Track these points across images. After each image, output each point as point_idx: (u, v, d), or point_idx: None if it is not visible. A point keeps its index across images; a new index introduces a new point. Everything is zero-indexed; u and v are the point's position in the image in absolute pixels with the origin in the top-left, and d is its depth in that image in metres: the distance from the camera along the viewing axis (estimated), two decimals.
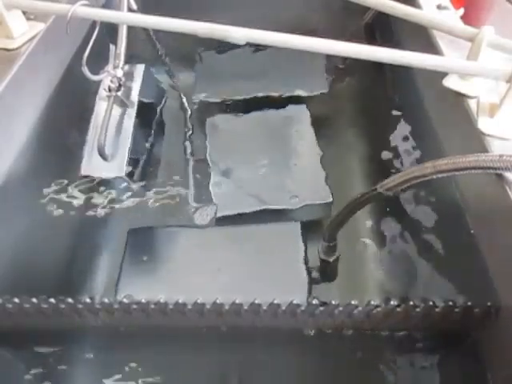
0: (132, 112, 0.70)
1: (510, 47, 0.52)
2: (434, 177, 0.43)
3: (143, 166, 0.70)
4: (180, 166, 0.71)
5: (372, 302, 0.46)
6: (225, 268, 0.56)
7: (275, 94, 0.77)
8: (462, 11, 0.70)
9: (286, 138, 0.71)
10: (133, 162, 0.68)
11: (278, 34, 0.52)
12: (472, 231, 0.51)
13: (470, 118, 0.53)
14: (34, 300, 0.47)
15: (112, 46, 0.69)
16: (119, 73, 0.67)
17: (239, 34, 0.52)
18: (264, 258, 0.57)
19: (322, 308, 0.47)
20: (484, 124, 0.51)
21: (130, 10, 0.74)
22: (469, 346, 0.49)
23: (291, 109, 0.75)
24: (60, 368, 0.51)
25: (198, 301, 0.46)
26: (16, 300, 0.47)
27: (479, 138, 0.50)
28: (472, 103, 0.54)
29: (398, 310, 0.46)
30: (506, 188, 0.45)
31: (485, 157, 0.41)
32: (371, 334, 0.50)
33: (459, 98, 0.56)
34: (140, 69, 0.76)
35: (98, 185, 0.66)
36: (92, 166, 0.65)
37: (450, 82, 0.57)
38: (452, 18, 0.68)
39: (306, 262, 0.56)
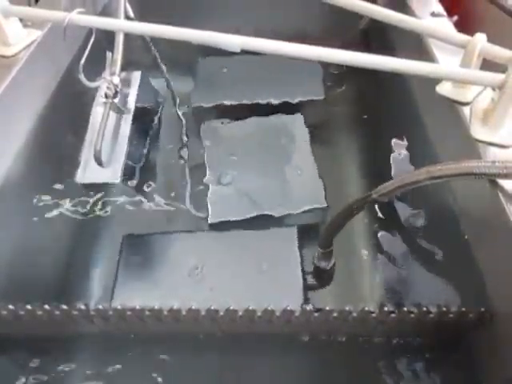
0: (128, 118, 0.71)
1: (503, 55, 0.52)
2: (428, 183, 0.43)
3: (139, 172, 0.71)
4: (177, 172, 0.71)
5: (366, 308, 0.46)
6: (220, 273, 0.56)
7: (271, 101, 0.78)
8: (455, 18, 0.71)
9: (282, 144, 0.71)
10: (129, 168, 0.68)
11: (273, 41, 0.53)
12: (466, 237, 0.52)
13: (463, 125, 0.53)
14: (29, 307, 0.47)
15: (108, 53, 0.69)
16: (116, 79, 0.68)
17: (234, 41, 0.52)
18: (260, 263, 0.57)
19: (316, 314, 0.47)
20: (477, 130, 0.51)
21: (127, 17, 0.74)
22: (463, 352, 0.49)
23: (287, 115, 0.76)
24: (55, 376, 0.50)
25: (193, 307, 0.46)
26: (10, 307, 0.47)
27: (473, 145, 0.51)
28: (465, 110, 0.55)
29: (392, 315, 0.46)
30: (499, 194, 0.45)
31: (478, 163, 0.41)
32: (366, 339, 0.50)
33: (453, 104, 0.56)
34: (137, 75, 0.77)
35: (93, 191, 0.66)
36: (88, 171, 0.66)
37: (444, 89, 0.57)
38: (445, 25, 0.69)
39: (302, 268, 0.56)
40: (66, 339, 0.52)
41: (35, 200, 0.64)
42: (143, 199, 0.67)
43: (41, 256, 0.60)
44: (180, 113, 0.81)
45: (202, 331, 0.51)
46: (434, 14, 0.72)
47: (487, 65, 0.55)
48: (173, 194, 0.68)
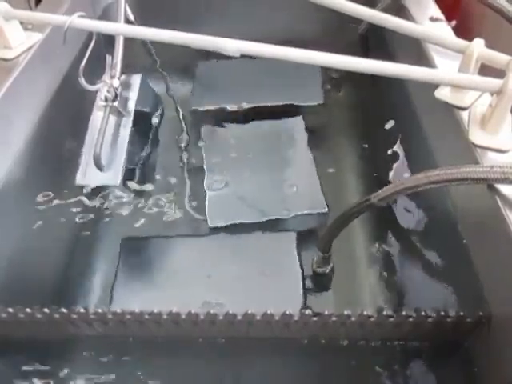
0: (128, 122, 0.71)
1: (501, 60, 0.52)
2: (427, 187, 0.43)
3: (139, 176, 0.71)
4: (176, 176, 0.72)
5: (365, 313, 0.46)
6: (219, 277, 0.56)
7: (271, 104, 0.78)
8: (454, 23, 0.71)
9: (282, 149, 0.71)
10: (128, 171, 0.68)
11: (272, 46, 0.53)
12: (464, 241, 0.52)
13: (461, 129, 0.54)
14: (28, 310, 0.47)
15: (108, 56, 0.69)
16: (116, 83, 0.68)
17: (233, 45, 0.53)
18: (259, 267, 0.57)
19: (315, 318, 0.47)
20: (475, 135, 0.52)
21: (128, 20, 0.75)
22: (461, 355, 0.49)
23: (287, 119, 0.76)
24: (54, 379, 0.50)
25: (192, 311, 0.46)
26: (10, 309, 0.47)
27: (471, 149, 0.51)
28: (464, 115, 0.55)
29: (391, 320, 0.46)
30: (496, 199, 0.45)
31: (476, 168, 0.42)
32: (365, 343, 0.50)
33: (451, 109, 0.56)
34: (137, 79, 0.77)
35: (92, 194, 0.66)
36: (87, 175, 0.66)
37: (442, 94, 0.57)
38: (444, 29, 0.70)
39: (301, 272, 0.56)
40: (65, 342, 0.52)
41: (35, 203, 0.64)
42: (143, 202, 0.67)
43: (40, 259, 0.61)
44: (180, 116, 0.81)
45: (201, 335, 0.51)
46: (432, 19, 0.72)
47: (485, 70, 0.55)
48: (172, 197, 0.68)
